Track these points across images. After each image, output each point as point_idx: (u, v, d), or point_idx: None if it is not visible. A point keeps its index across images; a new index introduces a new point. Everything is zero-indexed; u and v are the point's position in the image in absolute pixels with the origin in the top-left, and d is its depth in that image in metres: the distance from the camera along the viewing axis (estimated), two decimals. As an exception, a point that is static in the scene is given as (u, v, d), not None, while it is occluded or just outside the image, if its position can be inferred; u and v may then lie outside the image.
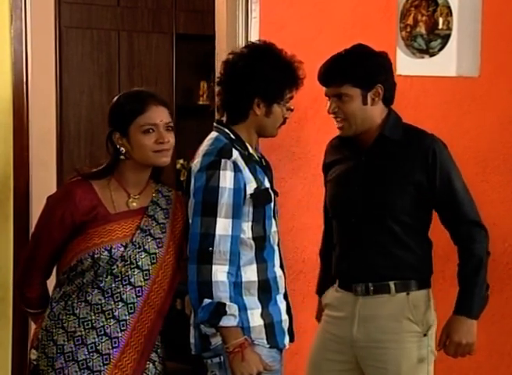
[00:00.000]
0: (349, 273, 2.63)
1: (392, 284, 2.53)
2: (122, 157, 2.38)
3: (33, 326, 2.91)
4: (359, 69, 2.54)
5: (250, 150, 2.47)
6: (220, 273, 2.31)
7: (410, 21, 3.52)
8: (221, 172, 2.34)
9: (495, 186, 3.56)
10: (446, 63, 3.54)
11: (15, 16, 2.98)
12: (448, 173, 2.52)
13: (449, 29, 3.53)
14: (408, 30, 3.52)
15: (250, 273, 2.41)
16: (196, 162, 2.40)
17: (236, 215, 2.36)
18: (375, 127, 2.57)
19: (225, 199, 2.33)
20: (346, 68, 2.55)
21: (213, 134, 2.48)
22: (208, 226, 2.32)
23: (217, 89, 2.52)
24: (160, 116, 2.37)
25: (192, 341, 2.44)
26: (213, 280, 2.30)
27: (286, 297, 2.53)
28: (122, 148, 2.37)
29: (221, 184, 2.34)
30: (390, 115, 2.60)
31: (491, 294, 3.53)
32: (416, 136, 2.58)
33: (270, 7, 3.35)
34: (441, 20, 3.53)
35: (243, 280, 2.39)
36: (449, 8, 3.53)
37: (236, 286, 2.38)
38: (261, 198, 2.43)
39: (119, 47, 5.17)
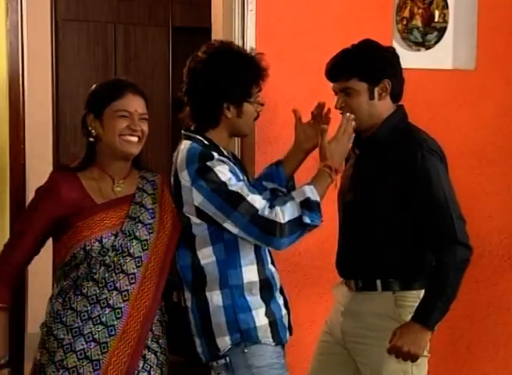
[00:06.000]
0: (342, 269, 2.65)
1: (378, 282, 2.52)
2: (91, 139, 2.39)
3: (29, 319, 2.92)
4: (366, 64, 2.52)
5: (225, 153, 2.45)
6: (281, 215, 2.32)
7: (406, 14, 3.53)
8: (215, 170, 2.33)
9: (491, 178, 3.57)
10: (442, 56, 3.54)
11: (11, 9, 2.97)
12: (427, 181, 2.44)
13: (446, 22, 3.54)
14: (404, 22, 3.52)
15: (250, 274, 2.40)
16: (184, 176, 2.37)
17: (252, 191, 2.37)
18: (379, 124, 2.55)
19: (235, 185, 2.33)
20: (353, 62, 2.53)
21: (186, 143, 2.44)
22: (247, 211, 2.32)
23: (184, 98, 2.47)
24: (135, 105, 2.38)
25: (199, 350, 2.43)
26: (287, 221, 2.32)
27: (281, 292, 2.53)
28: (93, 131, 2.39)
29: (223, 179, 2.33)
30: (395, 113, 2.57)
31: (487, 286, 3.57)
32: (405, 139, 2.51)
33: (266, -1, 3.35)
34: (437, 13, 3.54)
35: (245, 281, 2.39)
36: (445, 1, 3.53)
37: (238, 288, 2.38)
38: None
39: (116, 40, 5.16)
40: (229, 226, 2.35)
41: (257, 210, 2.32)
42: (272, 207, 2.34)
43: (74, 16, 5.00)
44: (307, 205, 2.34)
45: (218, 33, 3.49)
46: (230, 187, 2.33)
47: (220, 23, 3.46)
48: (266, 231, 2.33)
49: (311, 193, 2.36)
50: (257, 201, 2.34)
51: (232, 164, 2.41)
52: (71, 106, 5.01)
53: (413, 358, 2.42)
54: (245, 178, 2.48)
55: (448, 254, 2.42)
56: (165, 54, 5.29)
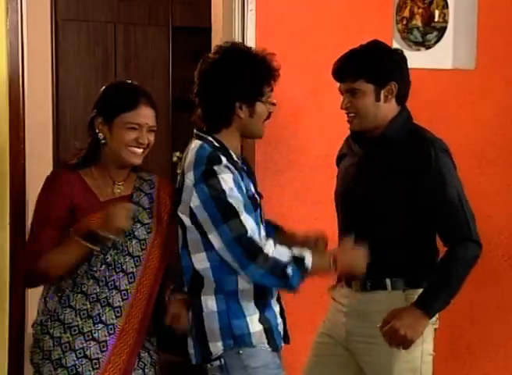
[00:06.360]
0: None
1: (388, 281, 2.53)
2: (102, 141, 2.40)
3: (29, 319, 2.92)
4: (374, 65, 2.52)
5: (234, 157, 2.44)
6: (270, 249, 2.30)
7: (406, 14, 3.53)
8: (219, 177, 2.33)
9: (491, 178, 3.57)
10: (442, 56, 3.55)
11: (11, 9, 2.97)
12: (441, 180, 2.46)
13: (445, 21, 3.54)
14: (404, 22, 3.53)
15: (245, 280, 2.37)
16: (189, 176, 2.36)
17: (250, 210, 2.36)
18: (385, 125, 2.55)
19: (235, 198, 2.32)
20: (360, 63, 2.53)
21: (196, 143, 2.44)
22: (237, 228, 2.30)
23: (196, 100, 2.49)
24: (146, 118, 2.40)
25: (191, 351, 2.41)
26: (273, 257, 2.29)
27: (278, 300, 2.52)
28: (100, 134, 2.40)
29: (224, 187, 2.32)
30: (400, 114, 2.56)
31: (486, 286, 3.57)
32: (416, 139, 2.52)
33: (266, -1, 3.35)
34: (437, 13, 3.54)
35: (240, 287, 2.37)
36: (445, 0, 3.54)
37: (233, 294, 2.37)
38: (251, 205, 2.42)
39: (116, 40, 5.17)
40: (213, 238, 2.33)
41: (246, 231, 2.30)
42: (264, 238, 2.34)
43: (74, 16, 5.00)
44: (298, 263, 2.31)
45: (218, 33, 3.49)
46: (228, 198, 2.31)
47: (220, 23, 3.46)
48: (249, 254, 2.30)
49: (308, 258, 2.33)
50: (249, 223, 2.32)
51: (237, 173, 2.39)
52: (71, 106, 5.02)
53: (407, 343, 2.40)
54: (251, 185, 2.47)
55: (460, 249, 2.45)
56: (165, 54, 5.29)
